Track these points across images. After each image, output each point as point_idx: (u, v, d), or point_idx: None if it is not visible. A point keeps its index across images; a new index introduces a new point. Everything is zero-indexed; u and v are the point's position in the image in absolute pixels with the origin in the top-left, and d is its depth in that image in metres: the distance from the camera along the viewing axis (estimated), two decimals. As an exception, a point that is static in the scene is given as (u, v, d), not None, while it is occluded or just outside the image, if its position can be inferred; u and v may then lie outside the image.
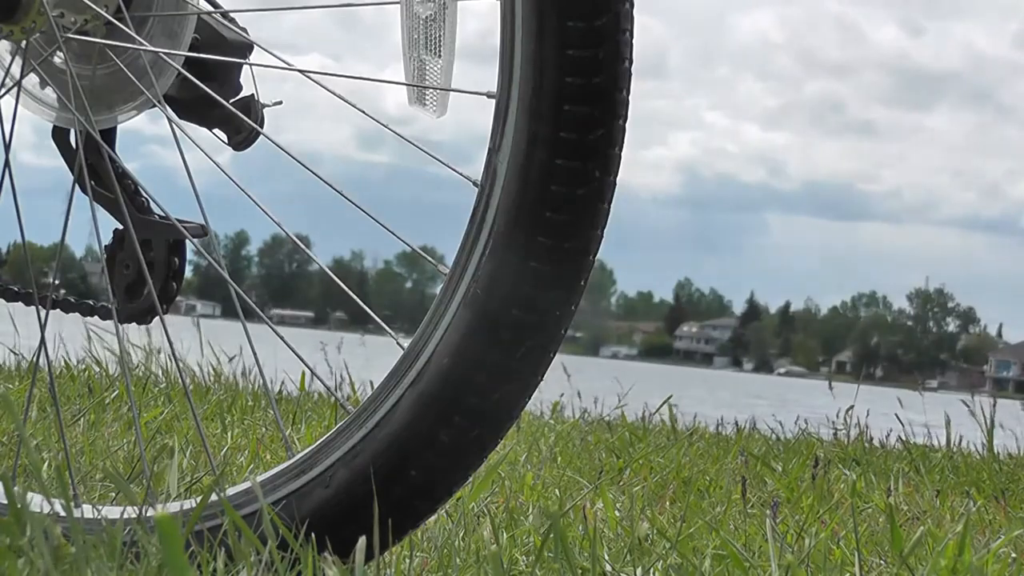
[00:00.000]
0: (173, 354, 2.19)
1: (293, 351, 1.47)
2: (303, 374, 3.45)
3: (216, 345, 3.95)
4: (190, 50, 1.48)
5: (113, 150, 1.51)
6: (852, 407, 3.80)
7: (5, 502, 1.15)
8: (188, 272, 1.54)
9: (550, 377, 1.37)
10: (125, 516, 1.36)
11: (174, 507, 1.39)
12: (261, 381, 3.27)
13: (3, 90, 1.49)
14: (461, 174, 1.30)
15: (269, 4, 1.55)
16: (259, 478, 1.33)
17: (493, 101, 1.27)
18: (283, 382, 3.60)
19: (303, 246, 1.49)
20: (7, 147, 1.49)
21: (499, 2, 1.26)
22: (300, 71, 1.39)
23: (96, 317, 1.59)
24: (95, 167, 1.50)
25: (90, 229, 1.49)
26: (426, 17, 1.35)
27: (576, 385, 4.32)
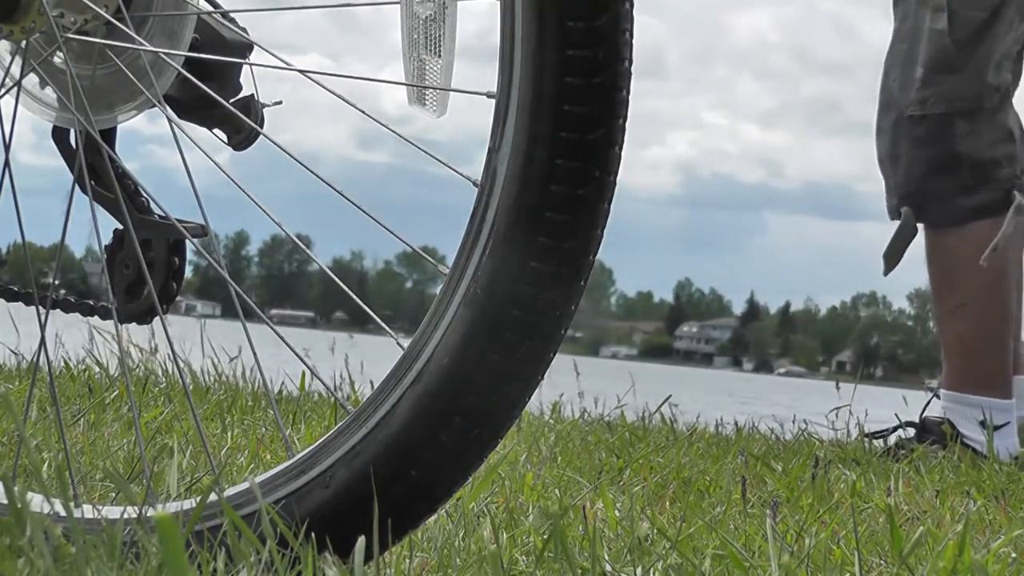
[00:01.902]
0: (173, 354, 2.19)
1: (293, 351, 1.47)
2: (303, 374, 3.45)
3: (216, 345, 3.94)
4: (190, 50, 1.48)
5: (113, 150, 1.51)
6: (848, 406, 3.80)
7: (5, 502, 1.15)
8: (188, 272, 1.54)
9: (554, 377, 1.37)
10: (125, 516, 1.36)
11: (174, 507, 1.39)
12: (261, 381, 3.27)
13: (3, 90, 1.49)
14: (461, 174, 1.30)
15: (269, 4, 1.56)
16: (259, 478, 1.33)
17: (493, 101, 1.27)
18: (283, 382, 3.60)
19: (303, 246, 1.49)
20: (7, 147, 1.49)
21: (499, 2, 1.26)
22: (300, 71, 1.39)
23: (96, 317, 1.59)
24: (95, 167, 1.50)
25: (90, 229, 1.49)
26: (426, 17, 1.35)
27: (577, 385, 4.32)
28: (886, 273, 3.54)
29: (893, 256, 3.50)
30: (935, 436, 3.44)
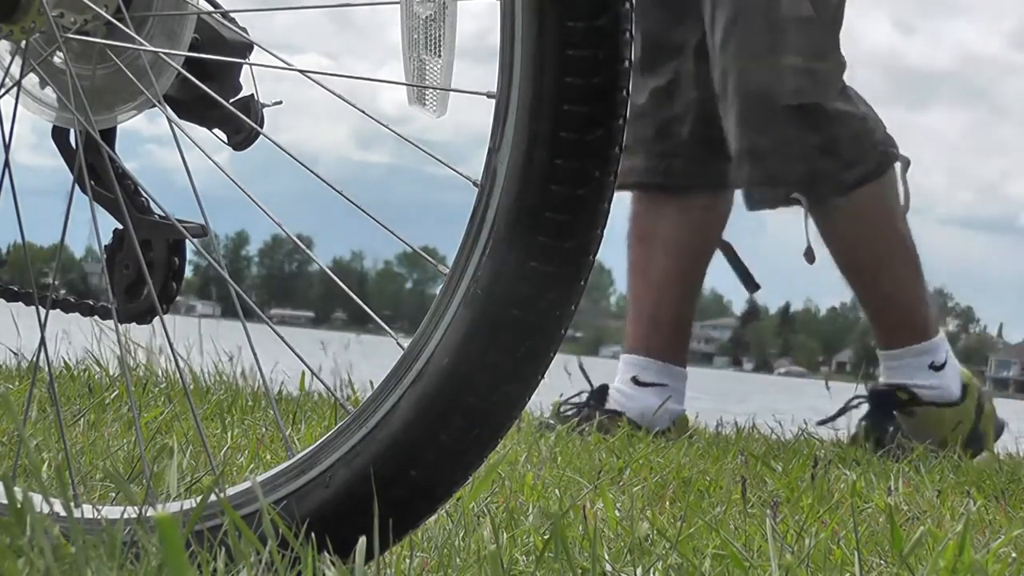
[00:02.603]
0: (173, 354, 2.19)
1: (293, 351, 1.47)
2: (303, 374, 3.45)
3: (216, 345, 3.94)
4: (190, 50, 1.48)
5: (113, 150, 1.51)
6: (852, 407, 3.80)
7: (5, 502, 1.15)
8: (188, 272, 1.54)
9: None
10: (125, 516, 1.36)
11: (174, 507, 1.39)
12: (261, 381, 3.26)
13: (3, 90, 1.49)
14: (461, 174, 1.30)
15: (269, 4, 1.55)
16: (259, 478, 1.33)
17: (493, 101, 1.27)
18: (283, 382, 3.59)
19: (303, 246, 1.49)
20: (7, 147, 1.49)
21: (499, 2, 1.26)
22: (300, 71, 1.39)
23: (96, 317, 1.59)
24: (95, 167, 1.50)
25: (90, 229, 1.49)
26: (426, 17, 1.35)
27: (577, 385, 4.32)
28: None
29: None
30: (893, 406, 3.49)
